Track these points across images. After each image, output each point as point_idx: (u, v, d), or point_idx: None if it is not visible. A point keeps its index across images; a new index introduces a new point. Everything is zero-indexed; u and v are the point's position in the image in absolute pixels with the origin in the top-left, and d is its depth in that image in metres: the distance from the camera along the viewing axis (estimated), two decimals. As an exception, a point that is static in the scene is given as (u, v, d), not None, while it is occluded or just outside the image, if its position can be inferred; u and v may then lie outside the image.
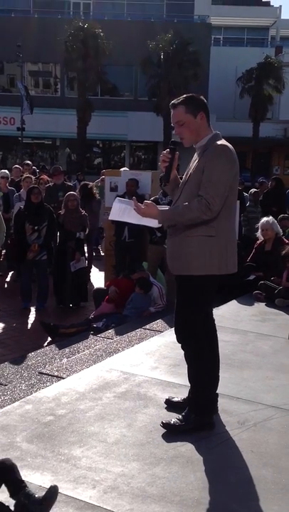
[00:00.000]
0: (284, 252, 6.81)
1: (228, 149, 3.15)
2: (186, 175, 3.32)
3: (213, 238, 3.14)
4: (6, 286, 9.60)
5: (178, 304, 3.35)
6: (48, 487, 2.53)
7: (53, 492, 2.49)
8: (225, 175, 3.08)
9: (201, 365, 3.32)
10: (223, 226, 3.17)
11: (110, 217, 3.74)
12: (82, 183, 11.61)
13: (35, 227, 7.70)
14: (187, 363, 3.42)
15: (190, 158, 3.34)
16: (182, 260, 3.21)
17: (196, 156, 3.30)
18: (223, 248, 3.17)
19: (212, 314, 3.48)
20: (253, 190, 11.54)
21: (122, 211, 3.49)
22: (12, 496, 2.48)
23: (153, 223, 3.33)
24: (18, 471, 2.56)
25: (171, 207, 3.29)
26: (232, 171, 3.13)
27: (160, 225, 3.31)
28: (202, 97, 3.30)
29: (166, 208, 3.34)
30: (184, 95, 3.29)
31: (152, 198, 7.60)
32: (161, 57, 28.07)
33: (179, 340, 3.42)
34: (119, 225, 8.10)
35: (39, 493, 2.49)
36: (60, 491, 2.61)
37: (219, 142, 3.17)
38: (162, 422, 3.35)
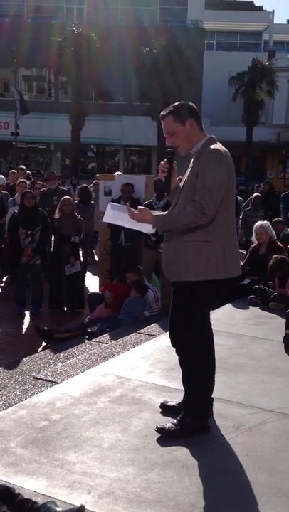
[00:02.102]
0: (271, 263, 6.82)
1: (221, 153, 3.14)
2: (183, 181, 3.32)
3: (209, 243, 3.13)
4: (0, 291, 9.57)
5: (173, 307, 3.34)
6: (43, 493, 2.52)
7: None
8: (218, 179, 3.07)
9: (195, 370, 3.32)
10: (220, 230, 3.16)
11: (104, 220, 3.74)
12: (82, 185, 11.63)
13: (29, 232, 7.68)
14: (181, 368, 3.41)
15: (188, 164, 3.35)
16: (178, 266, 3.20)
17: (191, 161, 3.30)
18: (220, 253, 3.16)
19: (209, 318, 3.48)
20: (255, 194, 11.62)
21: (115, 216, 3.49)
22: None
23: (147, 229, 3.32)
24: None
25: (166, 212, 3.29)
26: (226, 175, 3.12)
27: (154, 231, 3.31)
28: (191, 104, 3.30)
29: (161, 213, 3.34)
30: (172, 104, 3.30)
31: (146, 202, 7.62)
32: (155, 61, 28.10)
33: (173, 344, 3.41)
34: (116, 229, 8.09)
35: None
36: (54, 496, 2.61)
37: (212, 146, 3.17)
38: (157, 427, 3.34)
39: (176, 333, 3.34)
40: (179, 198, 3.26)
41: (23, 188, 9.22)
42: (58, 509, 2.49)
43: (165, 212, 3.28)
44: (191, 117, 3.22)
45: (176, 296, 3.31)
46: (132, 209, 3.26)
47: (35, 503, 2.50)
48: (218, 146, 3.20)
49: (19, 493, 2.56)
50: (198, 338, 3.31)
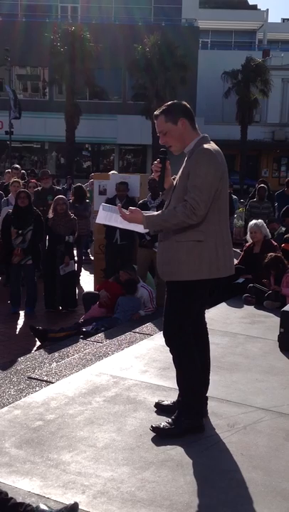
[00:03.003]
0: (266, 261, 6.83)
1: (211, 152, 3.13)
2: (176, 180, 3.32)
3: (201, 243, 3.13)
4: (-6, 290, 9.54)
5: (167, 307, 3.34)
6: (38, 493, 2.50)
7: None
8: (209, 178, 3.06)
9: (189, 369, 3.32)
10: (212, 230, 3.16)
11: (97, 221, 3.74)
12: (76, 184, 11.63)
13: (20, 232, 7.66)
14: (175, 367, 3.41)
15: (182, 163, 3.34)
16: (172, 266, 3.20)
17: (185, 161, 3.30)
18: (212, 252, 3.16)
19: (204, 317, 3.48)
20: (259, 185, 11.60)
21: (108, 217, 3.49)
22: None
23: (140, 228, 3.32)
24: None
25: (158, 212, 3.28)
26: (216, 174, 3.10)
27: (147, 230, 3.31)
28: (184, 103, 3.29)
29: (152, 213, 3.34)
30: (165, 104, 3.30)
31: (141, 201, 7.61)
32: (149, 60, 28.08)
33: (167, 343, 3.41)
34: (111, 228, 8.07)
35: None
36: (48, 496, 2.60)
37: (204, 146, 3.16)
38: (152, 426, 3.33)
39: (170, 332, 3.34)
40: (172, 198, 3.26)
41: (16, 187, 9.19)
42: (51, 510, 2.47)
43: (156, 213, 3.28)
44: (183, 117, 3.21)
45: (170, 296, 3.31)
46: (124, 210, 3.26)
47: (29, 505, 2.48)
48: (210, 145, 3.19)
49: (11, 498, 2.54)
50: (193, 337, 3.31)
